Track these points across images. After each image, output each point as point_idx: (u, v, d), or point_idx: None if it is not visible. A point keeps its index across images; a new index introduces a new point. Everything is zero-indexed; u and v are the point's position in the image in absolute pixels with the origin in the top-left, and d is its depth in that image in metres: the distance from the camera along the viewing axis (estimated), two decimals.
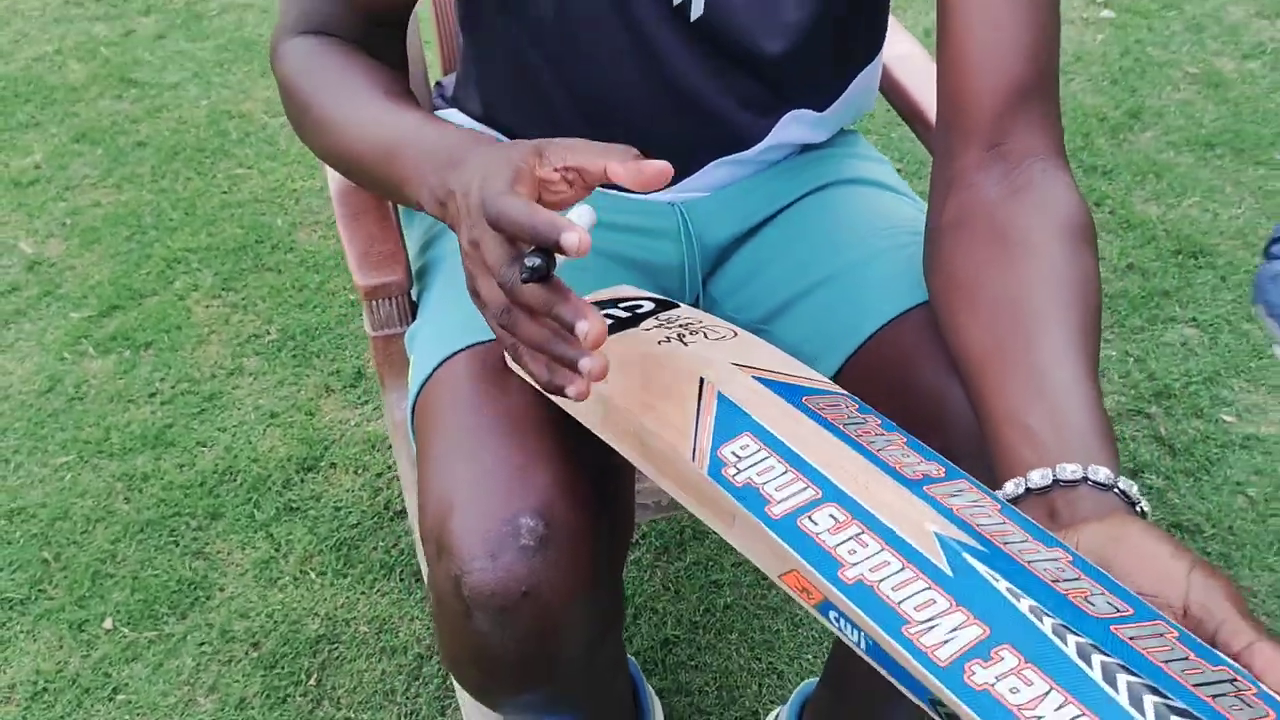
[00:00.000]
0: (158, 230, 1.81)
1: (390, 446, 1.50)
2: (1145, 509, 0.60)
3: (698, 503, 0.60)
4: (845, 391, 0.66)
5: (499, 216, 0.58)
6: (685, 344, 0.69)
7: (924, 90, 1.08)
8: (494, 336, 0.78)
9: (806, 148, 0.96)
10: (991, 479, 0.64)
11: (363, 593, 1.34)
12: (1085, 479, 0.59)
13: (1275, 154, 1.94)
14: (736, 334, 0.71)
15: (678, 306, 0.76)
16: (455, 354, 0.79)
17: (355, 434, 1.52)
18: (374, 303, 0.86)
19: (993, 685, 0.46)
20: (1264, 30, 2.25)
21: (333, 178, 0.91)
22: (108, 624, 1.31)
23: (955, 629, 0.49)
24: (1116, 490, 0.58)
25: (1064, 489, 0.60)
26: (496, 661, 0.73)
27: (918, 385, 0.78)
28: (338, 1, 0.80)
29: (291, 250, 1.78)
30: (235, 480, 1.46)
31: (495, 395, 0.75)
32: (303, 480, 1.46)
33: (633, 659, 1.19)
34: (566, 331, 0.57)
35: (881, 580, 0.51)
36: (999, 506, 0.57)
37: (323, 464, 1.48)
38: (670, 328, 0.72)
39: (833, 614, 0.52)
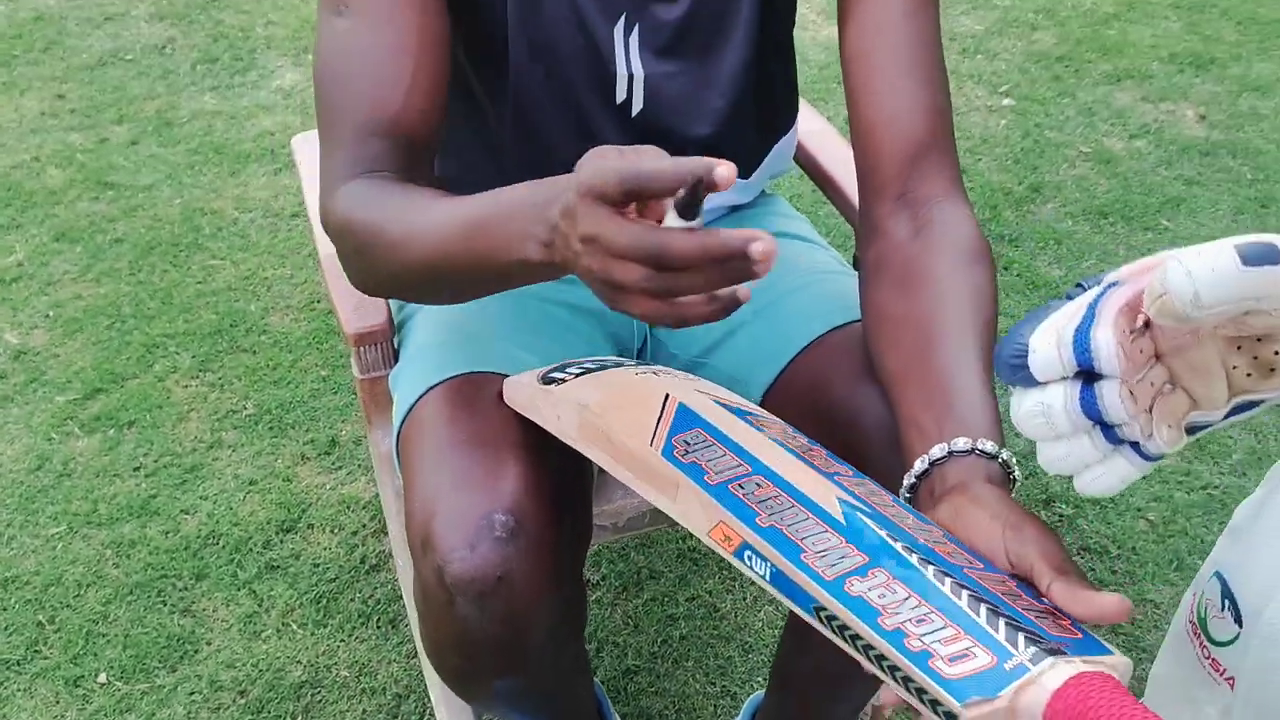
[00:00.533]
0: (136, 319, 1.92)
1: (364, 506, 1.61)
2: (1011, 466, 0.73)
3: (647, 481, 0.73)
4: (781, 420, 0.80)
5: (620, 180, 0.58)
6: (657, 375, 0.83)
7: (833, 161, 1.25)
8: (467, 370, 0.92)
9: (735, 208, 1.12)
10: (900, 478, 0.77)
11: (342, 641, 1.44)
12: (950, 453, 0.73)
13: (1161, 220, 2.15)
14: (699, 380, 0.86)
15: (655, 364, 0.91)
16: (434, 386, 0.92)
17: (331, 497, 1.62)
18: (362, 349, 0.99)
19: (866, 593, 0.60)
20: (1148, 113, 2.49)
21: (322, 241, 1.05)
22: (102, 678, 1.39)
23: (842, 557, 0.62)
24: (977, 452, 0.73)
25: (937, 468, 0.74)
26: (476, 646, 0.84)
27: (834, 396, 0.93)
28: (382, 137, 0.83)
29: (265, 333, 1.90)
30: (218, 543, 1.56)
31: (470, 418, 0.89)
32: (282, 540, 1.57)
33: (599, 684, 1.30)
34: (732, 256, 0.57)
35: (789, 525, 0.65)
36: (892, 498, 0.71)
37: (301, 525, 1.59)
38: (647, 369, 0.86)
39: (747, 554, 0.65)
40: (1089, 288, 0.60)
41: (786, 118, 1.08)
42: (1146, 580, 1.52)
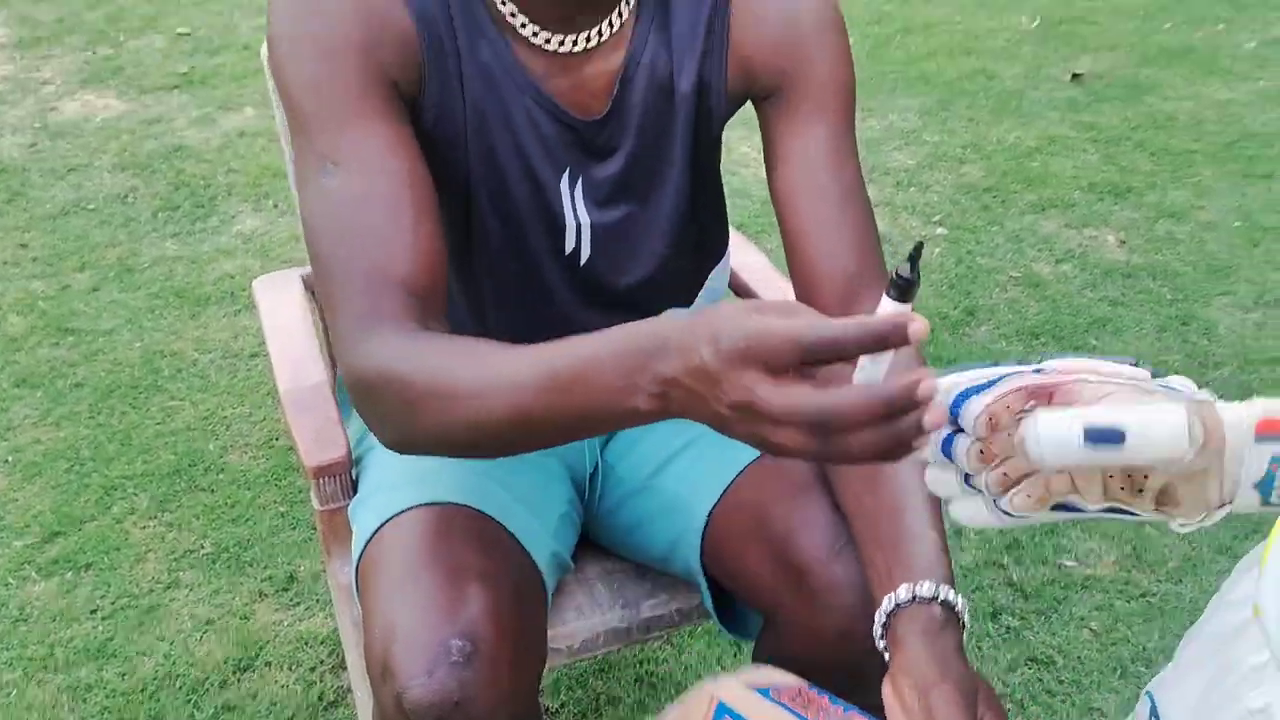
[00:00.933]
0: (95, 461, 1.94)
1: (321, 642, 1.62)
2: (954, 604, 0.82)
3: None
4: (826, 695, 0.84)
5: (801, 347, 0.56)
6: (716, 679, 0.86)
7: (774, 294, 1.33)
8: (424, 501, 0.96)
9: None
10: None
11: None
12: (896, 605, 0.83)
13: (1090, 339, 2.26)
14: (759, 669, 0.90)
15: None
16: (392, 518, 0.97)
17: (288, 633, 1.63)
18: (321, 480, 1.03)
19: None
20: (1073, 239, 2.62)
21: (282, 378, 1.10)
22: None
23: None
24: (917, 600, 0.81)
25: (892, 619, 0.84)
26: None
27: (775, 514, 0.99)
28: (396, 289, 0.82)
29: (223, 471, 1.92)
30: (175, 684, 1.56)
31: (427, 547, 0.93)
32: (239, 680, 1.56)
33: None
34: (902, 407, 0.56)
35: None
36: None
37: (258, 663, 1.59)
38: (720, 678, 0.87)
39: None
40: (1029, 366, 0.67)
41: (719, 245, 1.16)
42: (1093, 689, 1.55)
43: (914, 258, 0.57)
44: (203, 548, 1.78)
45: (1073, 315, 2.34)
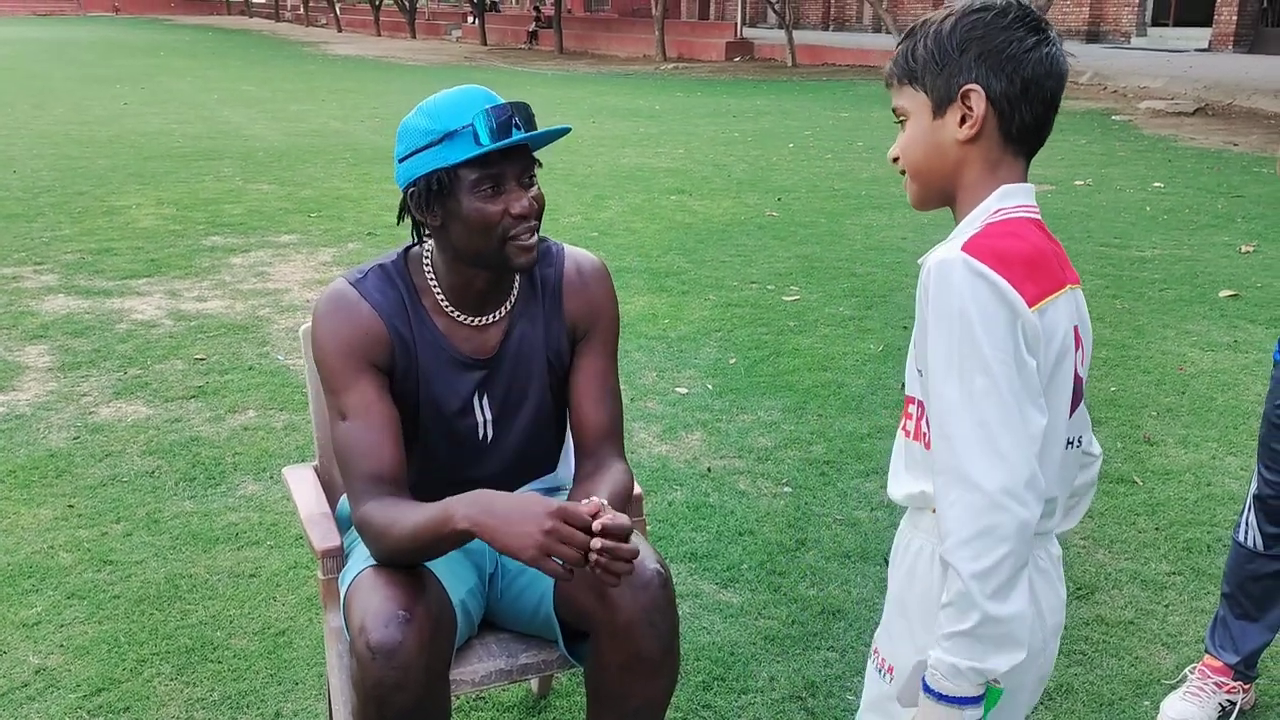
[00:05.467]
0: (129, 645, 2.57)
1: None
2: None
3: None
4: None
5: (562, 514, 1.50)
6: None
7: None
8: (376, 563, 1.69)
9: (549, 490, 1.94)
10: None
11: None
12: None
13: (882, 572, 2.99)
14: None
15: None
16: (362, 571, 1.69)
17: None
18: (326, 559, 1.75)
19: None
20: (877, 494, 3.42)
21: (303, 509, 1.83)
22: None
23: None
24: None
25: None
26: (382, 687, 1.54)
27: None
28: (379, 479, 1.67)
29: (228, 649, 2.55)
30: None
31: (385, 574, 1.65)
32: None
33: None
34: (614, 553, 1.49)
35: None
36: None
37: None
38: None
39: None
40: None
41: (563, 433, 1.95)
42: None
43: None
44: (210, 696, 2.39)
45: (880, 544, 3.09)
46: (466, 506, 1.56)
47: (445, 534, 1.57)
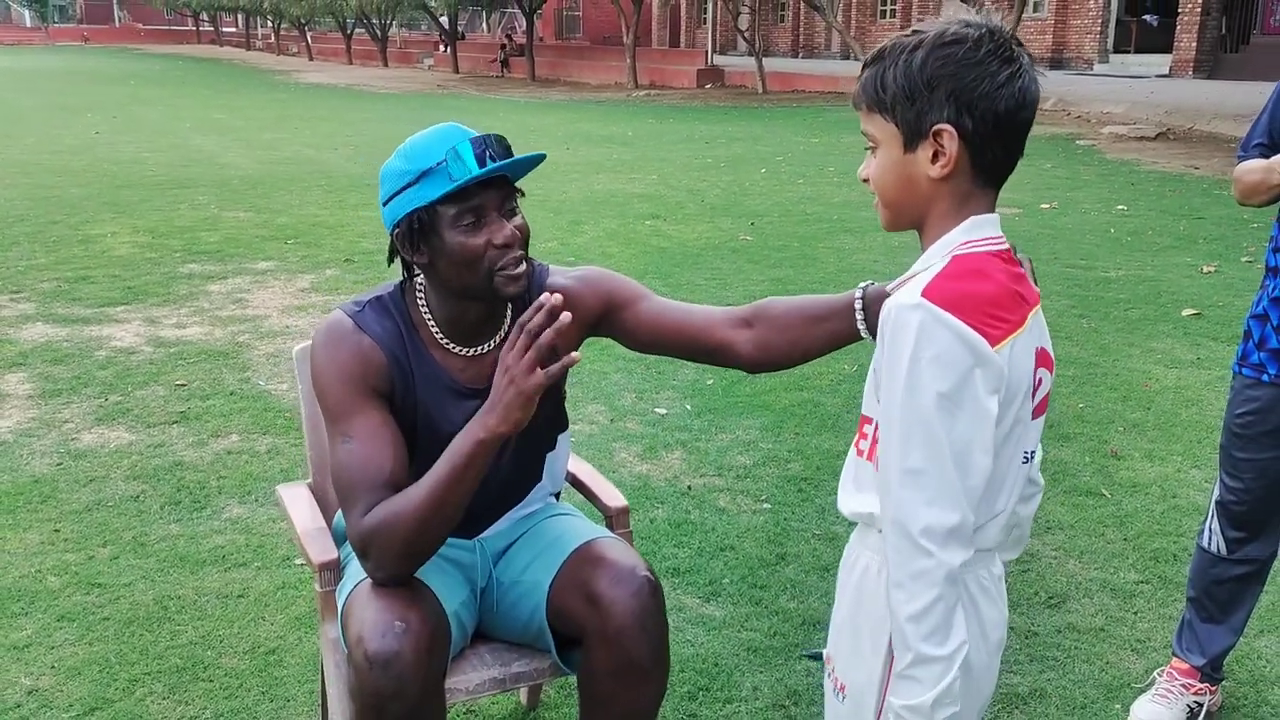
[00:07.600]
0: (120, 665, 2.59)
1: None
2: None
3: None
4: None
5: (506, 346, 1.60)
6: None
7: (592, 483, 2.16)
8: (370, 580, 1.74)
9: (527, 515, 2.00)
10: None
11: None
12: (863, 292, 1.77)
13: None
14: None
15: None
16: (359, 584, 1.74)
17: None
18: (324, 572, 1.80)
19: None
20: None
21: (299, 525, 1.88)
22: None
23: None
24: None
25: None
26: (379, 696, 1.59)
27: (581, 573, 1.77)
28: (385, 485, 1.67)
29: (218, 668, 2.59)
30: None
31: (380, 594, 1.70)
32: None
33: None
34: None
35: None
36: None
37: None
38: None
39: None
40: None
41: (555, 432, 2.00)
42: None
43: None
44: (203, 714, 2.42)
45: None
46: (462, 436, 1.65)
47: (459, 464, 1.63)
